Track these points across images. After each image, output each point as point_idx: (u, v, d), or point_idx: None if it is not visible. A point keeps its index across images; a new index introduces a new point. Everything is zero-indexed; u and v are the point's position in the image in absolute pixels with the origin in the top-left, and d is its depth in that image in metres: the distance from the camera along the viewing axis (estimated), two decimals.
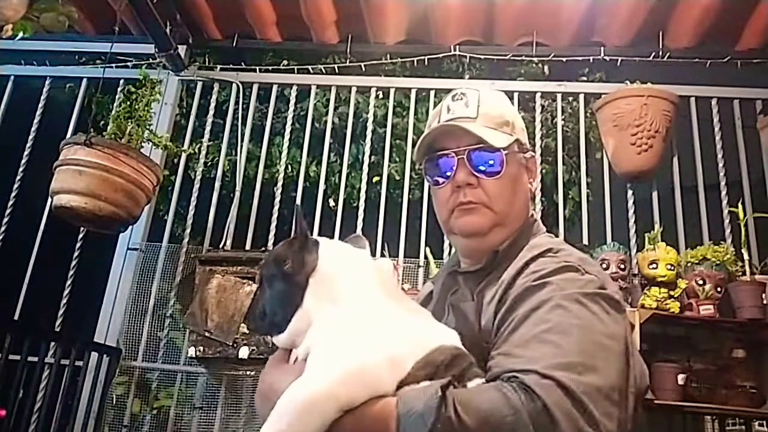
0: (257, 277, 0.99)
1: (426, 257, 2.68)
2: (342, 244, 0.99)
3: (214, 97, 3.16)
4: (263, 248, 2.77)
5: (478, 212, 1.05)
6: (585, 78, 3.38)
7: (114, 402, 2.58)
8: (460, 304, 1.03)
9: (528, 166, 1.13)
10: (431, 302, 1.16)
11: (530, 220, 1.12)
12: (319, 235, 3.10)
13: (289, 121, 3.09)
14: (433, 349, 0.82)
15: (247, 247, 2.83)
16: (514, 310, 0.89)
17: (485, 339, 0.92)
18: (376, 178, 3.17)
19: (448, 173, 1.06)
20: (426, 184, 2.91)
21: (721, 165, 2.80)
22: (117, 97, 2.98)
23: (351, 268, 0.92)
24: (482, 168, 1.05)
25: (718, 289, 2.32)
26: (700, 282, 2.33)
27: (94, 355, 2.53)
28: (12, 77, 3.09)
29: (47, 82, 3.11)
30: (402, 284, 2.59)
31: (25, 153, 2.99)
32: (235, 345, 2.47)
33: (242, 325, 2.51)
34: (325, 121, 3.12)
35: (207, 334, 2.50)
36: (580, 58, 3.00)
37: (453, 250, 1.24)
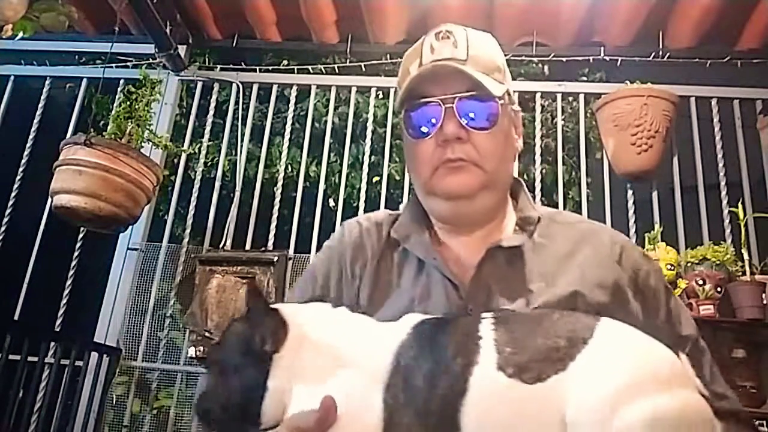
0: (212, 360, 0.83)
1: None
2: (303, 307, 0.85)
3: (214, 97, 3.16)
4: (263, 248, 2.77)
5: (467, 171, 0.92)
6: (585, 78, 3.38)
7: (114, 402, 2.58)
8: (514, 284, 0.91)
9: (515, 121, 1.01)
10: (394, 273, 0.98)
11: (517, 180, 1.06)
12: (319, 234, 3.06)
13: (289, 121, 3.09)
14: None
15: (247, 247, 2.83)
16: (675, 326, 0.95)
17: (579, 304, 0.86)
18: (376, 178, 3.17)
19: (433, 125, 0.92)
20: None
21: (721, 165, 2.80)
22: (117, 97, 2.98)
23: (318, 333, 0.79)
24: (474, 120, 0.91)
25: (718, 289, 2.32)
26: (700, 282, 2.33)
27: (94, 355, 2.53)
28: (12, 77, 3.09)
29: (47, 82, 3.10)
30: None
31: (25, 153, 2.99)
32: None
33: None
34: (325, 121, 3.12)
35: (207, 334, 2.50)
36: (580, 58, 3.00)
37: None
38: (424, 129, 0.93)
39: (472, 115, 0.91)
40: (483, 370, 0.68)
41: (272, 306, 0.80)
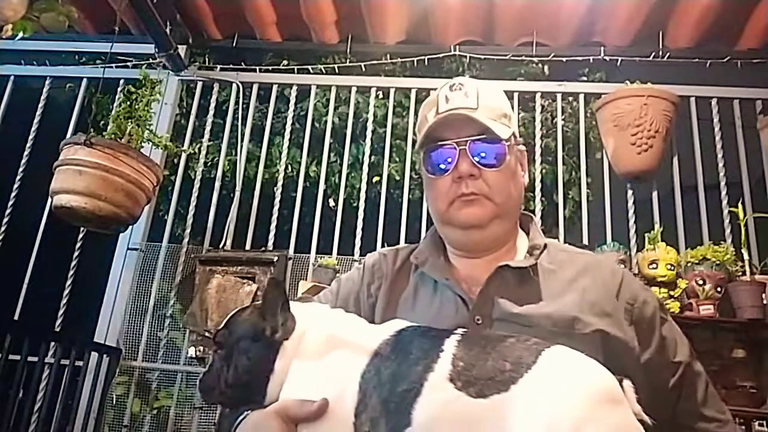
0: (217, 342, 0.95)
1: None
2: (307, 305, 0.99)
3: (214, 97, 3.16)
4: (263, 248, 2.77)
5: (480, 203, 1.04)
6: (585, 78, 3.38)
7: (114, 402, 2.58)
8: (520, 300, 1.00)
9: (521, 159, 1.14)
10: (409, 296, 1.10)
11: (526, 215, 1.18)
12: (319, 234, 3.06)
13: (289, 121, 3.09)
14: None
15: (247, 247, 2.83)
16: (667, 352, 1.02)
17: (569, 321, 0.96)
18: (376, 178, 3.17)
19: (449, 163, 1.05)
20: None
21: (721, 165, 2.80)
22: (117, 97, 2.97)
23: (320, 324, 0.92)
24: (484, 159, 1.04)
25: (718, 289, 2.32)
26: (700, 282, 2.33)
27: (94, 355, 2.53)
28: (12, 77, 3.09)
29: (47, 82, 3.11)
30: None
31: (25, 153, 2.99)
32: None
33: None
34: (325, 121, 3.12)
35: (207, 334, 2.50)
36: (580, 58, 3.00)
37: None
38: (442, 166, 1.06)
39: (483, 154, 1.04)
40: (436, 378, 0.78)
41: (286, 301, 0.92)
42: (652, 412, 0.84)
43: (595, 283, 1.02)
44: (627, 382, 0.77)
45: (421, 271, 1.11)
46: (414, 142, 3.06)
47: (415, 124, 3.01)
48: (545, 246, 1.09)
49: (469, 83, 1.09)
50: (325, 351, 0.87)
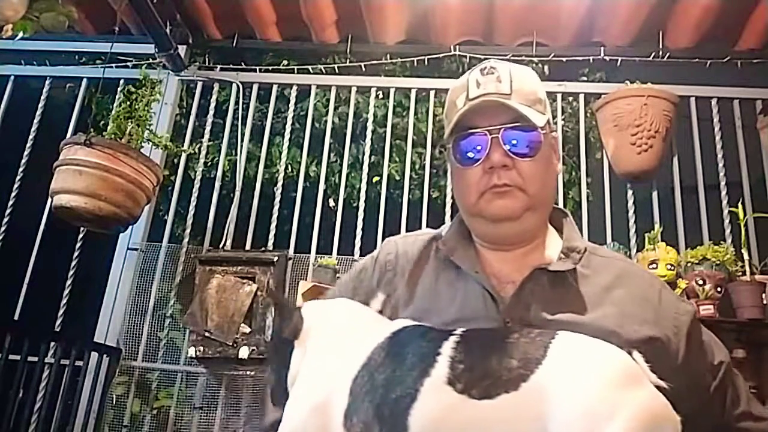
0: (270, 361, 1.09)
1: None
2: (321, 303, 1.04)
3: (214, 97, 3.16)
4: (263, 248, 2.77)
5: (512, 195, 0.98)
6: (585, 78, 3.38)
7: (114, 402, 2.58)
8: (559, 306, 0.96)
9: (555, 147, 1.09)
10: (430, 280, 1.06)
11: (560, 211, 1.13)
12: (319, 234, 3.05)
13: (289, 121, 3.09)
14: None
15: (247, 247, 2.83)
16: (708, 356, 0.99)
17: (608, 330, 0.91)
18: (376, 178, 3.17)
19: (480, 153, 0.99)
20: (426, 183, 2.92)
21: (721, 165, 2.80)
22: (117, 97, 2.98)
23: (327, 323, 0.96)
24: (517, 147, 0.98)
25: (718, 289, 2.32)
26: (700, 282, 2.33)
27: (94, 355, 2.53)
28: (12, 77, 3.09)
29: (47, 82, 3.10)
30: None
31: (25, 153, 2.99)
32: (235, 345, 2.47)
33: (242, 325, 2.51)
34: (325, 121, 3.12)
35: (207, 334, 2.50)
36: (580, 58, 3.00)
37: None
38: (470, 155, 1.00)
39: (515, 142, 0.98)
40: (433, 382, 0.77)
41: (297, 305, 0.99)
42: (701, 420, 0.84)
43: (632, 294, 0.98)
44: (636, 354, 0.77)
45: (445, 256, 1.06)
46: (414, 142, 3.07)
47: (414, 124, 3.04)
48: (585, 250, 1.03)
49: (501, 66, 1.03)
50: (323, 354, 0.91)
